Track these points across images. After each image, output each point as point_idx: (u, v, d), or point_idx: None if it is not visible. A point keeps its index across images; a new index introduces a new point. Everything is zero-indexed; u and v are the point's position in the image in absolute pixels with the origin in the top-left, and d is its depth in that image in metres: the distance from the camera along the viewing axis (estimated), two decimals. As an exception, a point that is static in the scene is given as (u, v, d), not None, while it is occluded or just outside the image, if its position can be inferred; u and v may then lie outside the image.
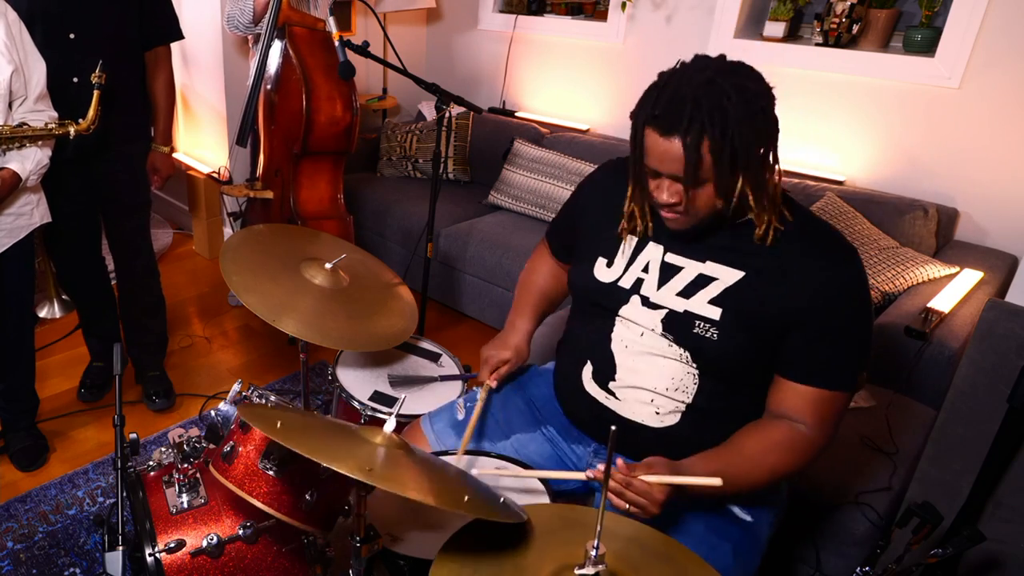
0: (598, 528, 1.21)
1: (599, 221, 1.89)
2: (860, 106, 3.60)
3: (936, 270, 3.07)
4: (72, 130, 2.51)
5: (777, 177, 1.60)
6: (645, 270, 1.77)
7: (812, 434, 1.64)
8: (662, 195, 1.59)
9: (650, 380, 1.76)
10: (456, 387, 2.44)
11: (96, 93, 2.53)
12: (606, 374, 1.83)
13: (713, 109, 1.46)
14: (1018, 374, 1.73)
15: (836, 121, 3.69)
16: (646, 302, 1.75)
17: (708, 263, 1.69)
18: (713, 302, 1.66)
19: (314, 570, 1.87)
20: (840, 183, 3.66)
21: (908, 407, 2.61)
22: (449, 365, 2.57)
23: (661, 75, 1.57)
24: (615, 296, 1.80)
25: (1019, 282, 2.48)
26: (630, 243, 1.82)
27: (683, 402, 1.74)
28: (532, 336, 2.14)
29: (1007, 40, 3.12)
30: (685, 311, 1.69)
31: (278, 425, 1.35)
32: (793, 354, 1.63)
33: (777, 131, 1.56)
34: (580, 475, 1.71)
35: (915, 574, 1.80)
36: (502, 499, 1.43)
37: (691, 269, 1.71)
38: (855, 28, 3.59)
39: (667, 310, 1.72)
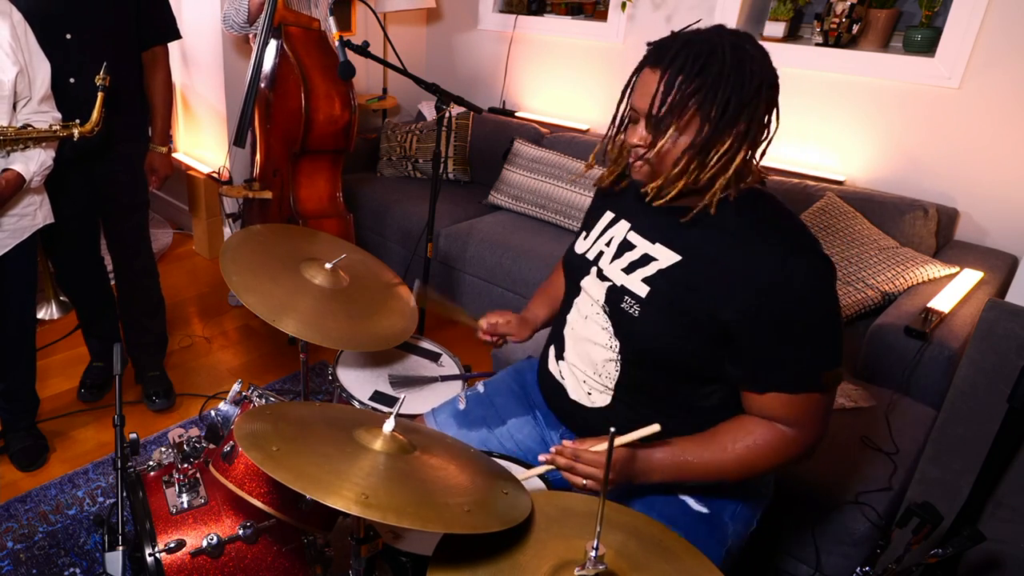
0: (597, 529, 1.20)
1: (596, 203, 1.93)
2: (860, 106, 3.60)
3: (936, 270, 3.07)
4: (76, 132, 2.50)
5: (746, 160, 1.56)
6: (608, 244, 1.78)
7: (794, 432, 1.58)
8: (632, 137, 1.57)
9: (580, 364, 1.80)
10: (456, 387, 2.44)
11: (100, 95, 2.52)
12: (559, 355, 1.88)
13: (702, 52, 1.45)
14: (1018, 374, 1.73)
15: (836, 121, 3.69)
16: (600, 274, 1.76)
17: (656, 244, 1.67)
18: (645, 280, 1.65)
19: (314, 570, 1.88)
20: (840, 183, 3.66)
21: (908, 407, 2.60)
22: (449, 365, 2.57)
23: None
24: (582, 267, 1.82)
25: (1019, 282, 2.46)
26: (606, 218, 1.83)
27: (607, 387, 1.76)
28: (538, 325, 2.18)
29: (1007, 40, 3.12)
30: (621, 285, 1.69)
31: (274, 449, 1.34)
32: (742, 361, 1.58)
33: (763, 111, 1.51)
34: (539, 469, 1.72)
35: (915, 574, 1.80)
36: (505, 492, 1.43)
37: (641, 248, 1.70)
38: (855, 28, 3.59)
39: (610, 283, 1.72)
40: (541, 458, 1.68)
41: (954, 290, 2.92)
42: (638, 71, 1.57)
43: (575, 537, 1.33)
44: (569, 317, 1.85)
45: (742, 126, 1.49)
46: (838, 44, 3.61)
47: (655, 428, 1.53)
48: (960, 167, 3.36)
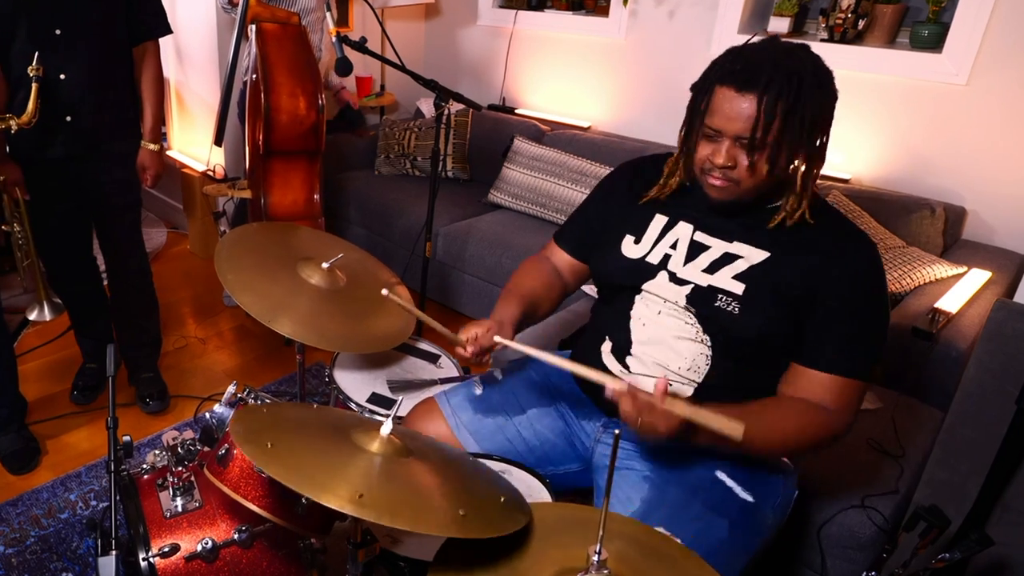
0: (600, 533, 1.19)
1: (624, 207, 1.96)
2: (866, 103, 3.59)
3: (943, 270, 3.06)
4: (13, 124, 2.48)
5: (819, 168, 1.68)
6: (673, 247, 1.83)
7: (833, 417, 1.68)
8: (718, 158, 1.64)
9: (663, 359, 1.81)
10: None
11: (35, 86, 2.48)
12: (623, 349, 1.87)
13: (791, 73, 1.54)
14: (1027, 375, 1.71)
15: (841, 118, 3.52)
16: (673, 277, 1.80)
17: (735, 243, 1.75)
18: (737, 278, 1.72)
19: (311, 575, 1.87)
20: (846, 181, 3.65)
21: (915, 409, 2.59)
22: (448, 366, 2.55)
23: (733, 47, 1.66)
24: (642, 271, 1.85)
25: (1028, 282, 2.45)
26: (659, 222, 1.88)
27: (695, 381, 1.79)
28: (515, 324, 2.03)
29: (1016, 36, 3.11)
30: (709, 285, 1.74)
31: (268, 446, 1.34)
32: (811, 338, 1.68)
33: (832, 121, 1.64)
34: (608, 380, 1.64)
35: (921, 579, 1.79)
36: (503, 498, 1.42)
37: (717, 248, 1.77)
38: (861, 23, 3.58)
39: (693, 285, 1.77)
40: (612, 386, 1.61)
41: (962, 290, 2.90)
42: (711, 89, 1.64)
43: (574, 546, 1.32)
44: (634, 313, 1.86)
45: (826, 139, 1.65)
46: (843, 40, 3.61)
47: (738, 432, 1.48)
48: (968, 165, 3.35)
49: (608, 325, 1.93)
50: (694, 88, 1.69)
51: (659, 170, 1.90)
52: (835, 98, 1.63)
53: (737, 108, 1.57)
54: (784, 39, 1.64)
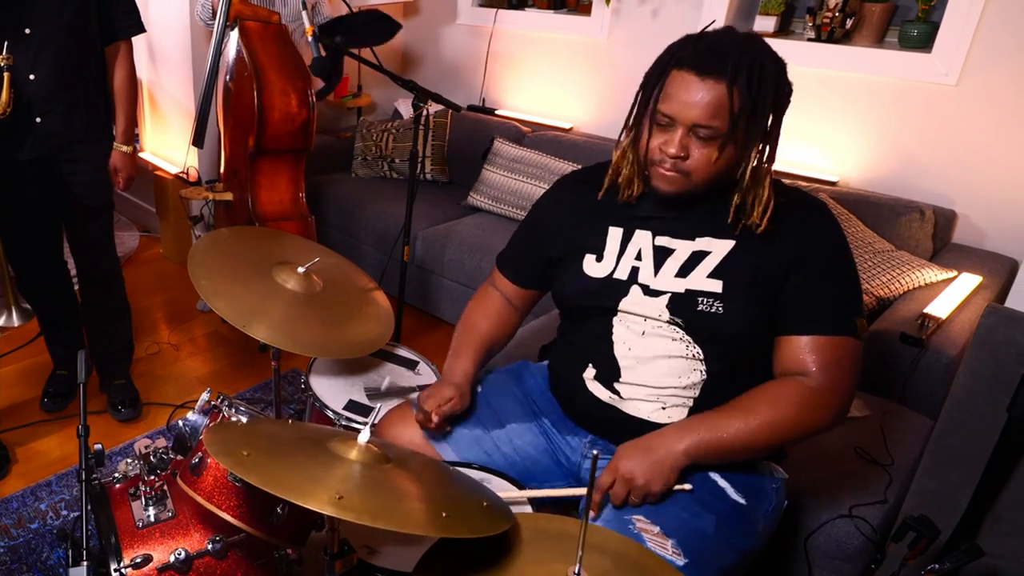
0: (579, 553, 1.19)
1: (575, 224, 1.90)
2: (854, 104, 3.58)
3: (933, 274, 3.04)
4: None
5: (770, 163, 1.65)
6: (638, 257, 1.77)
7: (817, 382, 1.63)
8: (671, 147, 1.60)
9: (656, 380, 1.75)
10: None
11: (7, 76, 2.46)
12: (610, 376, 1.80)
13: (753, 63, 1.52)
14: (1018, 382, 1.70)
15: (829, 119, 3.66)
16: (647, 290, 1.74)
17: (698, 239, 1.71)
18: (712, 275, 1.68)
19: (286, 586, 1.88)
20: (833, 184, 3.63)
21: (904, 417, 2.57)
22: (427, 373, 2.52)
23: (692, 34, 1.62)
24: (613, 290, 1.78)
25: (1019, 287, 2.46)
26: (615, 234, 1.82)
27: (691, 397, 1.75)
28: (473, 380, 2.02)
29: (1007, 35, 3.09)
30: (686, 290, 1.69)
31: (245, 454, 1.33)
32: (787, 307, 1.66)
33: (785, 113, 1.63)
34: (580, 490, 1.77)
35: (910, 590, 1.78)
36: (485, 503, 1.42)
37: (683, 249, 1.72)
38: (849, 22, 3.57)
39: (669, 294, 1.71)
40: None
41: (952, 295, 2.88)
42: (665, 74, 1.60)
43: (551, 561, 1.32)
44: (616, 338, 1.79)
45: (779, 126, 1.63)
46: (831, 39, 3.60)
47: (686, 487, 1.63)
48: (958, 167, 3.33)
49: (588, 350, 1.85)
50: (648, 73, 1.65)
51: (603, 181, 1.86)
52: (791, 90, 1.61)
53: (695, 94, 1.54)
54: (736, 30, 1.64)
